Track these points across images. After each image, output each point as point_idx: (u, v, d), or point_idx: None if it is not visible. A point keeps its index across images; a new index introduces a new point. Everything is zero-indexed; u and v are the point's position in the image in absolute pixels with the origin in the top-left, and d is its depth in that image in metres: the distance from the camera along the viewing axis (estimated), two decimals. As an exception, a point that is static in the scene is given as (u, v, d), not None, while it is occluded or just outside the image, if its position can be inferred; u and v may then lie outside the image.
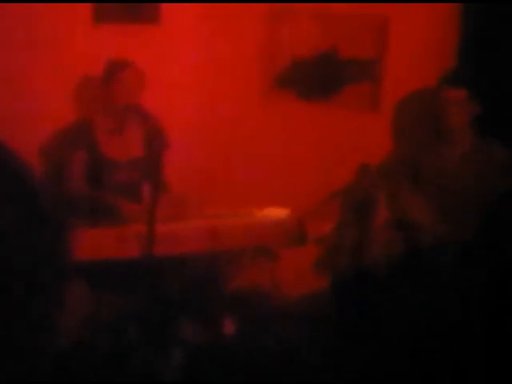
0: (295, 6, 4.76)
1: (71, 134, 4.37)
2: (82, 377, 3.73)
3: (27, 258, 2.65)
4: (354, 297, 3.73)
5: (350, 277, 3.78)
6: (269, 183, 4.75)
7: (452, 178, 3.89)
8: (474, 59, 4.27)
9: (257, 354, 4.00)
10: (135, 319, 3.83)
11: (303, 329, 4.02)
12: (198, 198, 4.34)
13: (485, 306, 3.55)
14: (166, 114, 4.32)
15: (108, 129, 4.36)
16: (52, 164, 4.45)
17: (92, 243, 3.80)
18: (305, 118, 4.83)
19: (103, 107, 4.40)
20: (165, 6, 4.77)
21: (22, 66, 4.30)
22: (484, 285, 3.58)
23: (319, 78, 4.83)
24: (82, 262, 3.73)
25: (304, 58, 4.84)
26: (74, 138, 4.35)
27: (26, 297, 2.71)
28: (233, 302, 4.27)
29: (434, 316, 3.60)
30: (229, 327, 4.17)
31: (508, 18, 4.17)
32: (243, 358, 4.00)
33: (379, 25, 4.62)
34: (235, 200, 4.32)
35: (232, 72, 4.97)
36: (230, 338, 4.14)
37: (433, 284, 3.64)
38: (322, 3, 4.65)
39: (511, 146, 3.92)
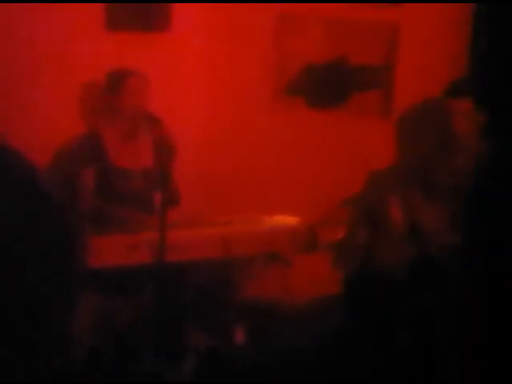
0: (305, 13, 4.76)
1: (81, 149, 4.34)
2: (93, 381, 3.74)
3: (40, 262, 2.64)
4: (365, 302, 3.72)
5: (361, 281, 3.78)
6: (279, 190, 4.76)
7: (462, 186, 3.87)
8: (485, 65, 4.27)
9: (266, 363, 3.99)
10: (146, 326, 3.83)
11: (314, 335, 4.01)
12: (208, 206, 4.34)
13: (491, 309, 3.55)
14: (176, 121, 4.32)
15: (118, 138, 4.36)
16: (63, 179, 4.40)
17: (103, 251, 3.80)
18: (315, 125, 4.83)
19: (112, 117, 4.39)
20: (175, 14, 4.79)
21: (30, 71, 4.31)
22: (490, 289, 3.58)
23: (329, 85, 4.84)
24: (94, 270, 3.75)
25: (314, 65, 4.85)
26: (84, 153, 4.31)
27: (38, 302, 2.71)
28: (243, 310, 4.26)
29: (443, 319, 3.59)
30: (239, 336, 4.17)
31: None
32: (253, 366, 4.00)
33: (389, 32, 4.63)
34: (246, 207, 4.32)
35: (242, 80, 4.98)
36: (240, 347, 4.14)
37: (443, 289, 3.64)
38: (333, 11, 4.67)
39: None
